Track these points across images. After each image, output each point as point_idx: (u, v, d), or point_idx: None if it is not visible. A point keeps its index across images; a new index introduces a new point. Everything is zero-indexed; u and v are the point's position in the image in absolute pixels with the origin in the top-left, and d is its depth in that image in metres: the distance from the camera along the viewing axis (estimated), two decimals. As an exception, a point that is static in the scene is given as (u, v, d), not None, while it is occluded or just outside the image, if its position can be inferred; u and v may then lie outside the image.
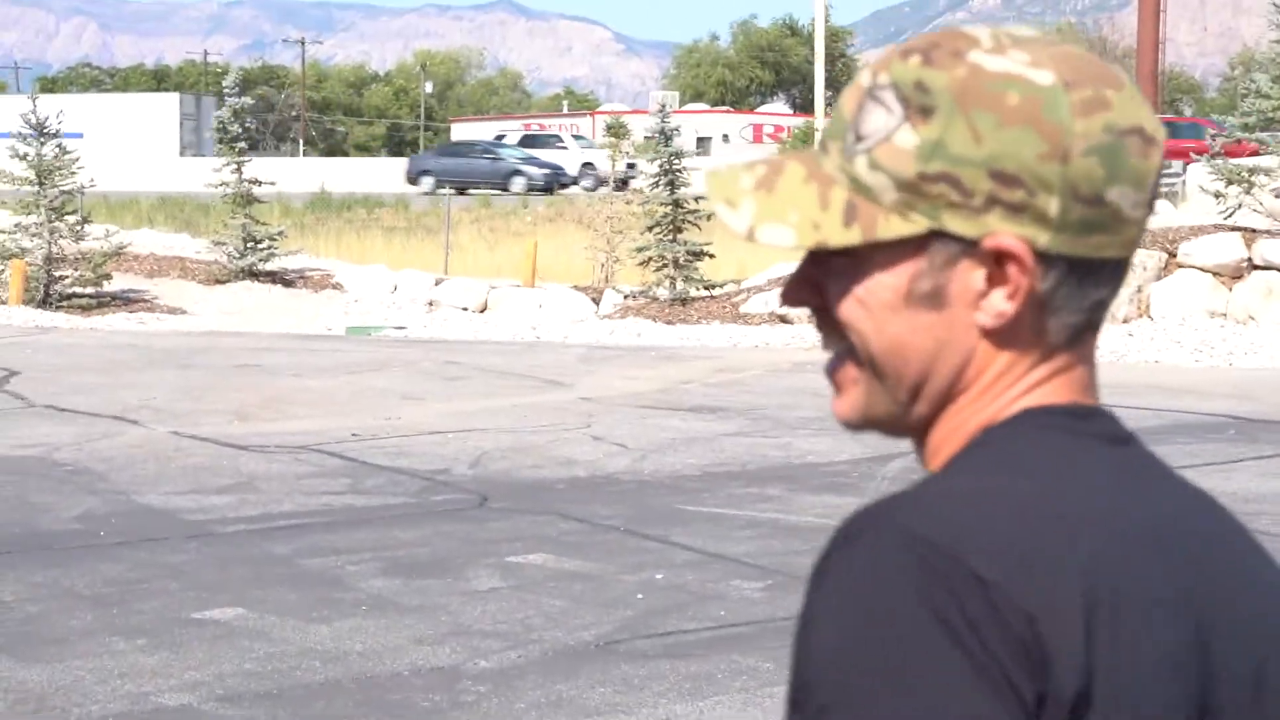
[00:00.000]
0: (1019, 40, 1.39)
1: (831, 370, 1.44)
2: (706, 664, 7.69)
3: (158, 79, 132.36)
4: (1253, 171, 23.89)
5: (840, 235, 1.36)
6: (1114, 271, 1.41)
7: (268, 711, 7.07)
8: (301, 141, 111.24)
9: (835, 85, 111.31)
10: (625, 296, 26.29)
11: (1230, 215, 24.07)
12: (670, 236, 26.12)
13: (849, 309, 1.39)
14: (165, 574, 9.42)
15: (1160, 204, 25.67)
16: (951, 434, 1.41)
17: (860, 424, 1.44)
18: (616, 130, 31.14)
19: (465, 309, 26.56)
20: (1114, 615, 1.27)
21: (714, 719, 7.03)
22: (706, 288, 25.97)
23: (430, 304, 26.91)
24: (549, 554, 9.88)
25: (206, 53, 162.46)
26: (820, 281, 1.41)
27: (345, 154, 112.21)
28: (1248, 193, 23.85)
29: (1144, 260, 22.89)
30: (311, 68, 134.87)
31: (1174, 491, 1.41)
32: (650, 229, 26.52)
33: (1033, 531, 1.28)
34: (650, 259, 26.20)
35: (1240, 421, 15.12)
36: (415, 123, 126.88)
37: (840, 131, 1.41)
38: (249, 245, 28.03)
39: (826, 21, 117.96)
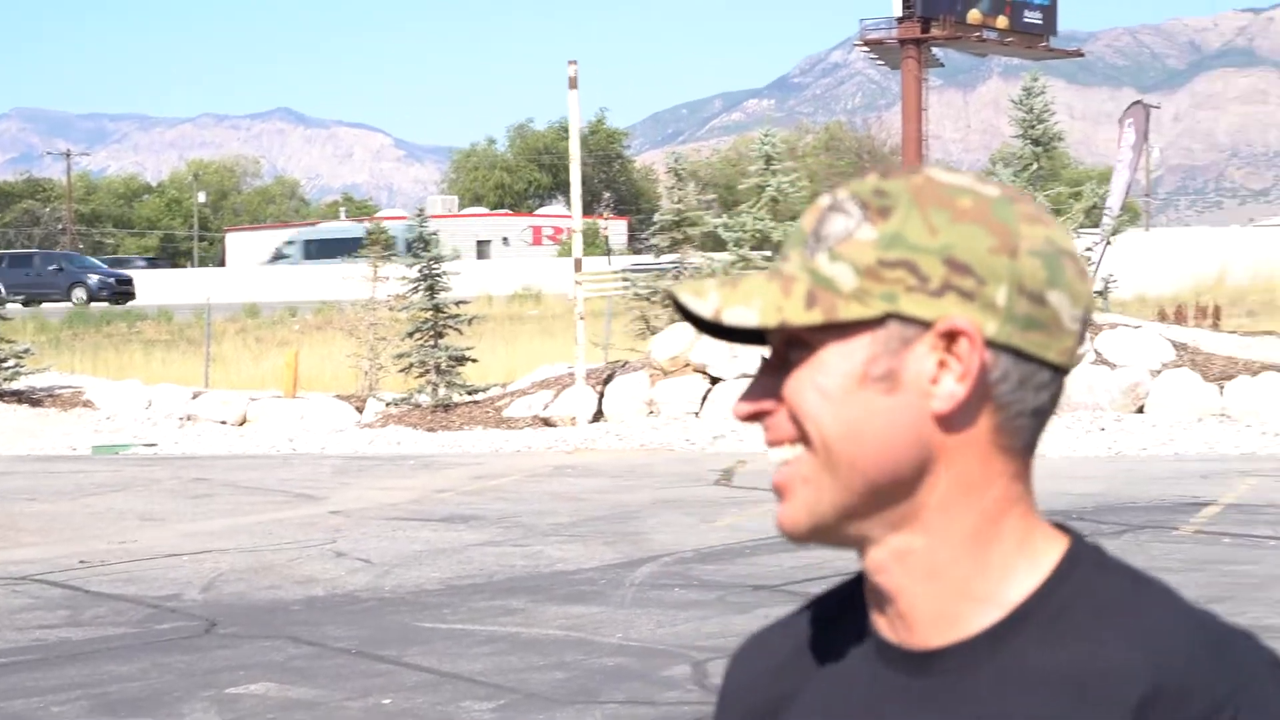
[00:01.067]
0: (962, 174, 1.50)
1: (781, 478, 1.46)
2: (423, 795, 7.31)
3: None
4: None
5: (802, 316, 1.41)
6: (1053, 381, 1.44)
7: None
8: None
9: (614, 186, 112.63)
10: (387, 404, 25.84)
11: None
12: (432, 342, 25.77)
13: (807, 397, 1.42)
14: None
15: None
16: (958, 540, 1.44)
17: (808, 528, 1.45)
18: (377, 236, 30.63)
19: (223, 422, 25.89)
20: None
21: None
22: (469, 393, 25.64)
23: (186, 418, 26.19)
24: (273, 682, 9.41)
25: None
26: (772, 386, 1.46)
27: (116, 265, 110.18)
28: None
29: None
30: (80, 180, 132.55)
31: None
32: (411, 335, 26.16)
33: None
34: (412, 365, 25.83)
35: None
36: (189, 233, 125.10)
37: (800, 241, 1.48)
38: (-8, 364, 27.17)
39: (602, 123, 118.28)
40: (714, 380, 23.78)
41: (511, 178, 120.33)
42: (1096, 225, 25.63)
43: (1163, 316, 28.11)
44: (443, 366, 25.56)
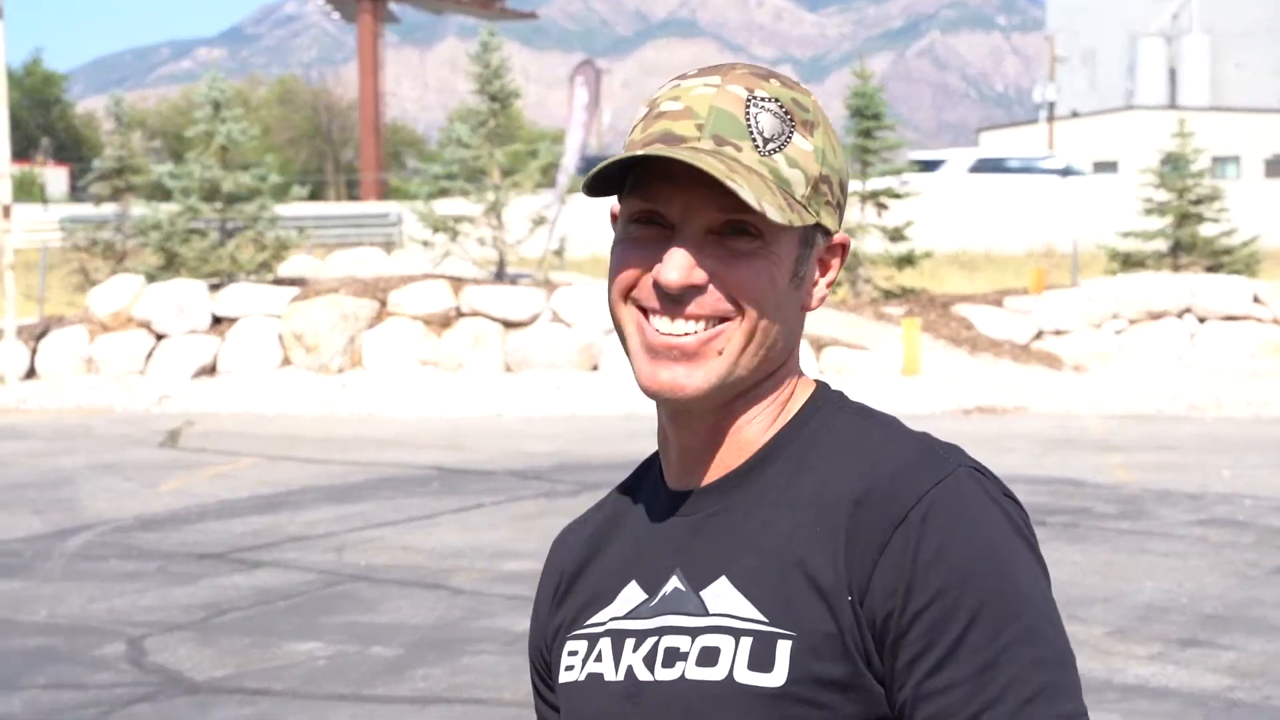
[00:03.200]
0: None
1: (684, 345, 1.66)
2: None
3: None
4: (458, 220, 24.01)
5: (793, 219, 1.65)
6: None
7: None
8: None
9: (53, 132, 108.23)
10: None
11: (441, 262, 24.09)
12: None
13: (763, 286, 1.67)
14: None
15: (373, 252, 25.60)
16: (768, 406, 1.74)
17: (708, 391, 1.67)
18: None
19: None
20: None
21: None
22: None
23: None
24: None
25: None
26: (706, 264, 1.65)
27: None
28: (454, 240, 23.94)
29: (356, 310, 22.58)
30: None
31: None
32: None
33: None
34: None
35: (445, 473, 14.84)
36: None
37: (739, 132, 1.67)
38: None
39: (39, 65, 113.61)
40: (159, 336, 22.94)
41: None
42: (553, 185, 25.69)
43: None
44: None
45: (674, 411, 1.71)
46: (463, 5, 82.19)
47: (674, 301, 1.64)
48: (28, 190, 76.29)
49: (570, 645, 1.77)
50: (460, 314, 22.64)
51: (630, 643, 1.69)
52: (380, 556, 11.05)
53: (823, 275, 1.74)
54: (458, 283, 23.07)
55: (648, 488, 1.80)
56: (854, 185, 27.72)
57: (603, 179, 1.68)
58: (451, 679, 8.11)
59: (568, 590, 1.83)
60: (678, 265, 1.63)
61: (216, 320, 23.11)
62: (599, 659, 1.71)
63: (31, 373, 22.75)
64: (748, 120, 1.65)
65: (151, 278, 24.28)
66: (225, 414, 19.78)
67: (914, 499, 1.58)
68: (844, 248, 1.75)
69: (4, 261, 22.50)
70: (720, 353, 1.65)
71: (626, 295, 1.69)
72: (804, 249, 1.69)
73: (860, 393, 16.66)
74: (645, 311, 1.68)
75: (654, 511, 1.76)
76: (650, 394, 1.69)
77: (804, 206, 1.67)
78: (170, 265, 24.59)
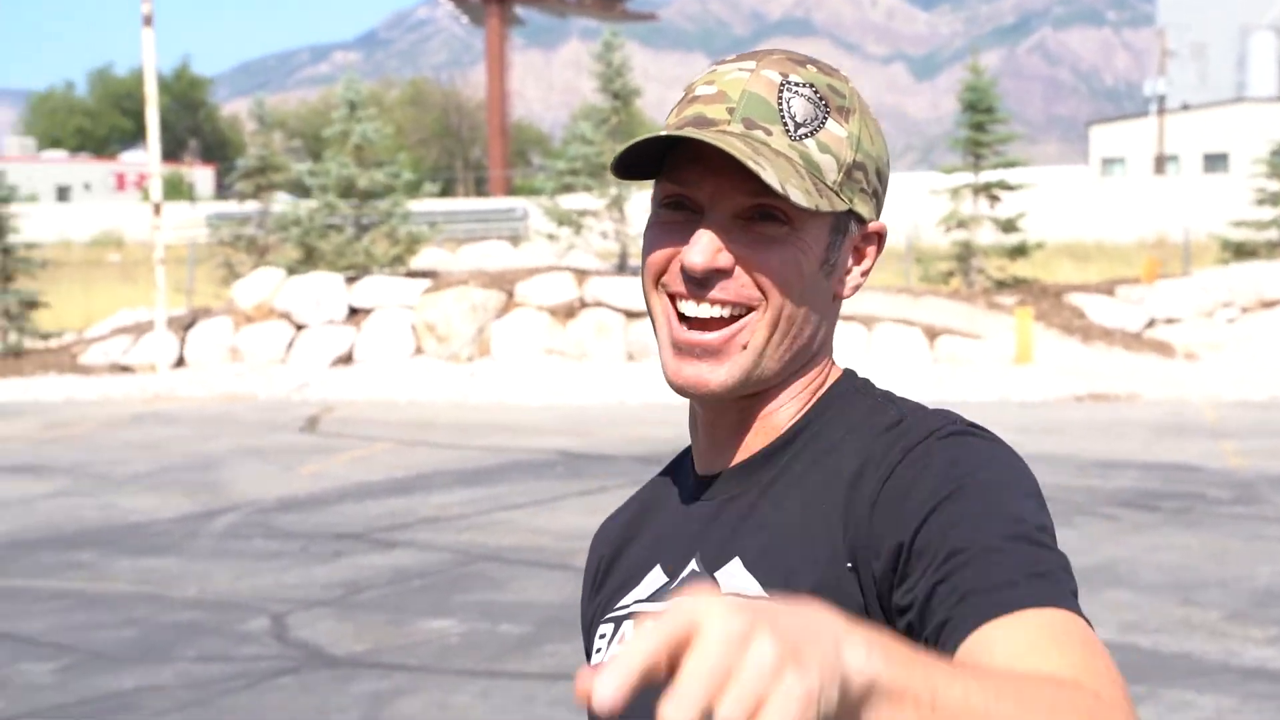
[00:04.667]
0: None
1: (709, 337, 1.61)
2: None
3: None
4: (582, 214, 24.04)
5: (821, 203, 1.58)
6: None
7: None
8: None
9: (200, 133, 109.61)
10: (-46, 350, 24.39)
11: (564, 256, 24.14)
12: (2, 286, 24.38)
13: (789, 273, 1.61)
14: None
15: (500, 246, 25.69)
16: (799, 393, 1.69)
17: (735, 386, 1.63)
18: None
19: None
20: None
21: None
22: (42, 338, 24.39)
23: None
24: None
25: None
26: (731, 248, 1.59)
27: None
28: (578, 233, 23.97)
29: (485, 301, 22.66)
30: None
31: None
32: (-23, 279, 24.76)
33: None
34: (-19, 310, 24.45)
35: (570, 457, 14.86)
36: None
37: (770, 116, 1.60)
38: None
39: (187, 70, 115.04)
40: (299, 327, 23.14)
41: (93, 123, 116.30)
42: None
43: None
44: (13, 311, 24.25)
45: (699, 402, 1.68)
46: (585, 8, 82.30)
47: (699, 285, 1.59)
48: (177, 189, 77.35)
49: (601, 628, 1.75)
50: (584, 304, 22.67)
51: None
52: (509, 538, 11.10)
53: (857, 263, 1.67)
54: (581, 274, 23.11)
55: (679, 476, 1.77)
56: (966, 178, 27.50)
57: (636, 162, 1.63)
58: (578, 655, 8.12)
59: (605, 576, 1.82)
60: (703, 249, 1.58)
61: (353, 311, 23.29)
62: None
63: (180, 362, 23.04)
64: (780, 105, 1.59)
65: (292, 271, 24.52)
66: (361, 401, 19.93)
67: (906, 446, 1.52)
68: (880, 236, 1.68)
69: (155, 257, 22.80)
70: (745, 346, 1.60)
71: (658, 280, 1.64)
72: (836, 236, 1.62)
73: (973, 381, 16.59)
74: (674, 298, 1.63)
75: (681, 498, 1.73)
76: (676, 389, 1.65)
77: (835, 192, 1.60)
78: (309, 259, 24.80)
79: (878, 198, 1.66)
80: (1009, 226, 27.05)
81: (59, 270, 28.72)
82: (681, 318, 1.62)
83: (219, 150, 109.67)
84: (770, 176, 1.52)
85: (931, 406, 1.65)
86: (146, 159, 21.88)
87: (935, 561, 1.45)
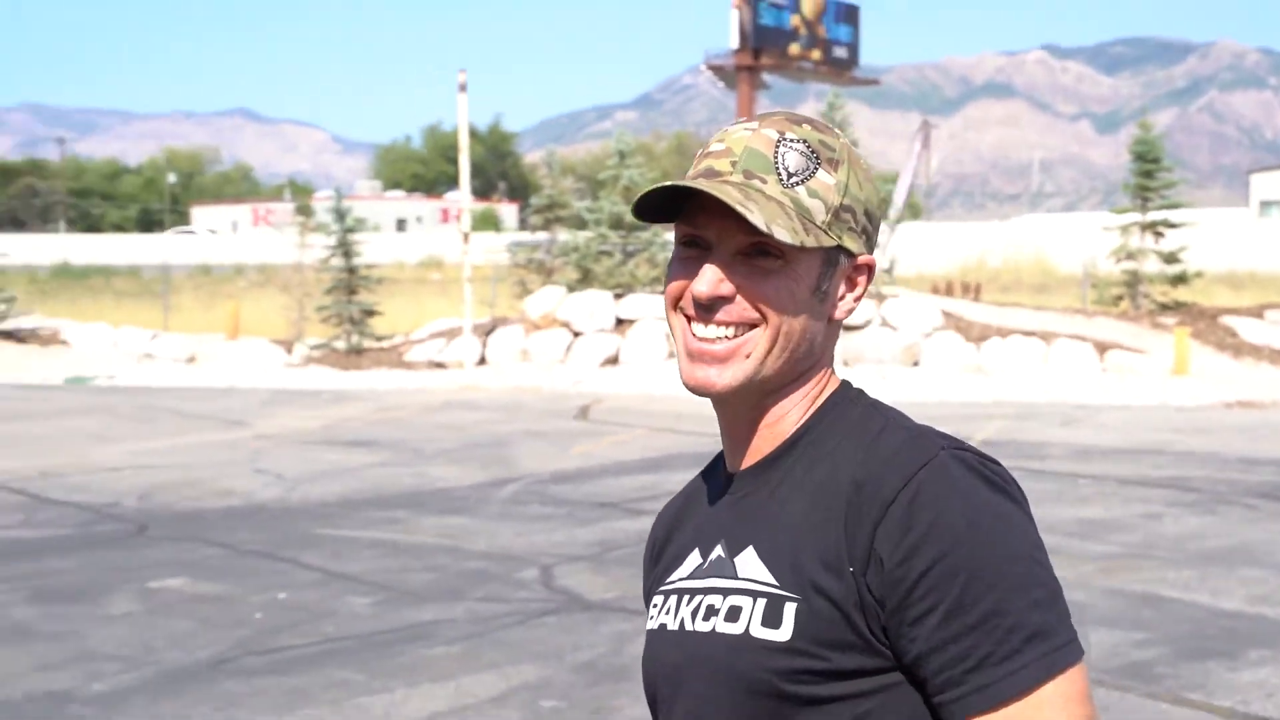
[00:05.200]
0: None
1: (715, 349, 1.60)
2: (305, 678, 6.83)
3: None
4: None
5: (807, 240, 1.58)
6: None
7: (-125, 744, 6.02)
8: (64, 222, 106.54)
9: (508, 177, 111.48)
10: (310, 348, 25.16)
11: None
12: (347, 298, 25.12)
13: (783, 298, 1.59)
14: None
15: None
16: (799, 402, 1.65)
17: (737, 387, 1.61)
18: (303, 210, 30.10)
19: (177, 360, 25.11)
20: None
21: (300, 731, 6.18)
22: (377, 340, 25.05)
23: (146, 355, 25.38)
24: (189, 578, 8.90)
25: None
26: (732, 278, 1.59)
27: (102, 232, 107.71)
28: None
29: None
30: (71, 162, 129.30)
31: None
32: (329, 291, 25.49)
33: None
34: (330, 316, 25.19)
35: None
36: (162, 206, 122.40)
37: (766, 167, 1.60)
38: (-16, 307, 26.19)
39: (498, 127, 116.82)
40: (576, 334, 23.42)
41: (425, 168, 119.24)
42: (884, 216, 25.46)
43: (935, 290, 27.97)
44: (355, 318, 24.98)
45: (716, 405, 1.66)
46: (820, 75, 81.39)
47: (707, 310, 1.59)
48: (489, 222, 78.61)
49: (655, 599, 1.74)
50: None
51: (686, 599, 1.65)
52: (738, 509, 11.14)
53: (850, 291, 1.65)
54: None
55: (714, 474, 1.75)
56: (1134, 217, 26.86)
57: (653, 208, 1.63)
58: (787, 606, 8.15)
59: (659, 556, 1.80)
60: (707, 280, 1.58)
61: (619, 322, 23.50)
62: (667, 612, 1.68)
63: (482, 360, 23.47)
64: (775, 158, 1.59)
65: (571, 289, 24.81)
66: (623, 395, 20.10)
67: (902, 481, 1.49)
68: (869, 268, 1.66)
69: (464, 276, 23.27)
70: (748, 356, 1.59)
71: (676, 304, 1.64)
72: (827, 268, 1.61)
73: (1137, 389, 16.11)
74: (689, 318, 1.62)
75: (714, 492, 1.71)
76: (689, 389, 1.64)
77: (824, 230, 1.59)
78: (585, 279, 25.08)
79: (867, 235, 1.64)
80: (1171, 258, 26.38)
81: (393, 286, 29.48)
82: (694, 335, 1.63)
83: (522, 190, 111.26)
84: (757, 218, 1.54)
85: (911, 419, 1.63)
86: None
87: (928, 627, 1.48)
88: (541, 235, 31.62)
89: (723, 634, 1.58)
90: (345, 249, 25.41)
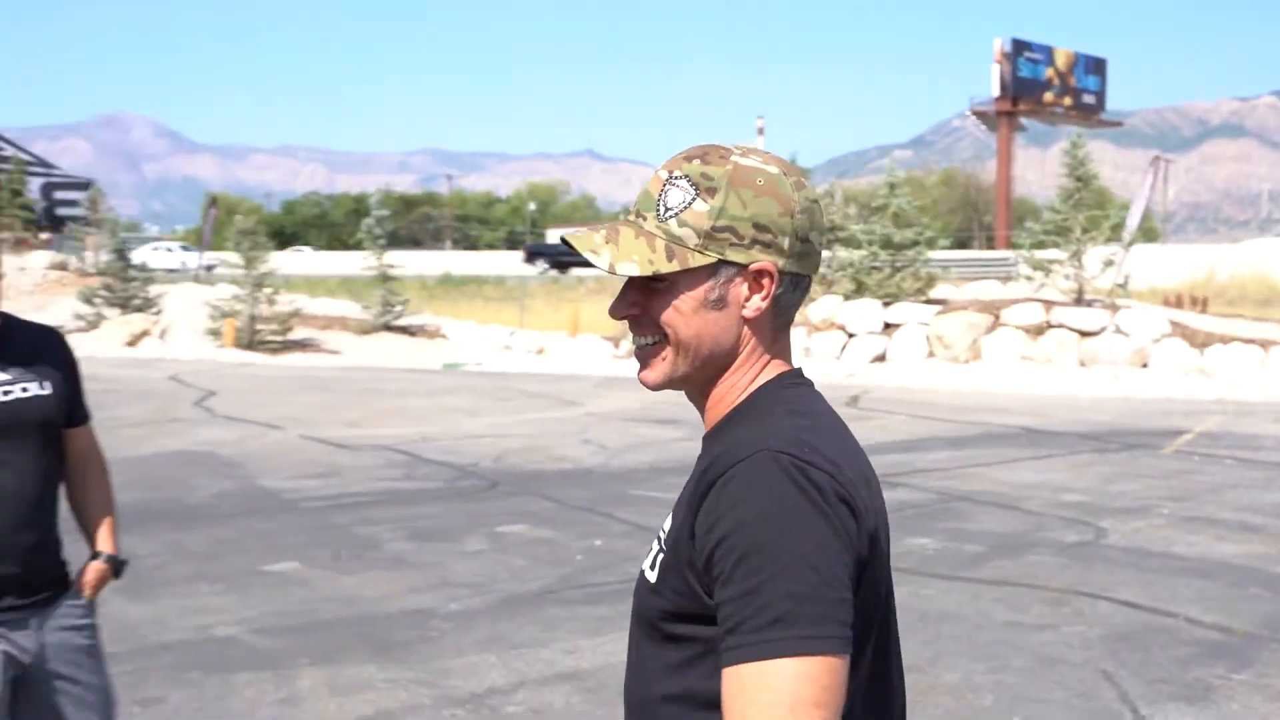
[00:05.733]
0: (752, 150, 1.59)
1: (643, 354, 1.58)
2: (612, 609, 7.00)
3: (358, 203, 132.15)
4: (1051, 262, 23.23)
5: (667, 266, 1.52)
6: (807, 286, 1.60)
7: (286, 641, 6.41)
8: (449, 241, 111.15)
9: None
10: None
11: (1038, 290, 23.32)
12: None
13: (669, 314, 1.54)
14: (255, 537, 8.77)
15: (992, 284, 24.75)
16: (732, 389, 1.58)
17: (659, 384, 1.58)
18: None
19: (529, 351, 25.91)
20: (868, 487, 1.52)
21: (606, 650, 6.34)
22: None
23: (506, 347, 26.26)
24: (527, 525, 9.20)
25: (390, 185, 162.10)
26: (637, 300, 1.56)
27: (477, 250, 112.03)
28: (1047, 276, 23.14)
29: (978, 321, 22.14)
30: (457, 194, 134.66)
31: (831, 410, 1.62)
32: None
33: (829, 445, 1.50)
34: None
35: (1029, 432, 14.37)
36: (525, 230, 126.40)
37: (650, 206, 1.55)
38: (385, 308, 27.47)
39: (795, 163, 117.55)
40: (850, 335, 23.20)
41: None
42: (1119, 239, 24.39)
43: (1165, 303, 26.66)
44: (672, 320, 25.25)
45: (652, 390, 1.62)
46: (1070, 118, 78.63)
47: (634, 324, 1.58)
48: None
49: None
50: (1049, 326, 21.81)
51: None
52: (978, 485, 10.85)
53: (755, 292, 1.54)
54: (1048, 305, 22.24)
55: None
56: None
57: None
58: (1015, 570, 7.92)
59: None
60: (614, 305, 1.58)
61: (886, 326, 23.16)
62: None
63: (771, 356, 23.43)
64: (659, 196, 1.55)
65: (846, 298, 24.57)
66: (888, 386, 19.81)
67: (725, 468, 1.45)
68: (768, 273, 1.54)
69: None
70: (664, 359, 1.56)
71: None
72: (714, 279, 1.53)
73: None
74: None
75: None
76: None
77: (697, 251, 1.52)
78: (858, 290, 24.81)
79: (764, 244, 1.54)
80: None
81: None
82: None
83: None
84: (603, 260, 1.53)
85: (780, 421, 1.53)
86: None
87: (716, 591, 1.43)
88: (825, 255, 31.48)
89: (643, 571, 1.58)
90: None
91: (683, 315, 1.54)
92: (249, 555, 8.20)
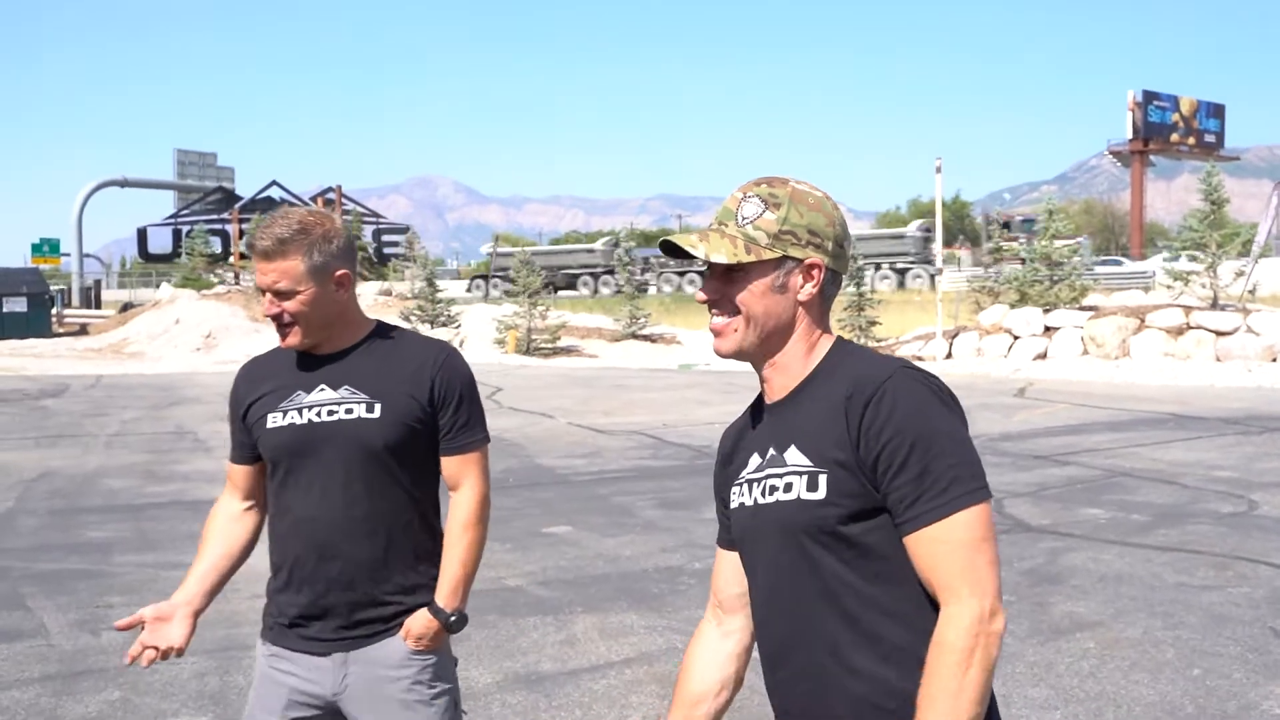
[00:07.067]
0: (803, 180, 1.66)
1: (720, 328, 1.65)
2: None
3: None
4: (1189, 274, 21.58)
5: (745, 257, 1.61)
6: (840, 282, 1.68)
7: (563, 592, 6.24)
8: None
9: (965, 231, 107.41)
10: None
11: (1178, 297, 21.67)
12: (857, 313, 24.64)
13: (745, 295, 1.63)
14: (535, 505, 8.70)
15: (1136, 293, 23.07)
16: (796, 358, 1.64)
17: (732, 354, 1.64)
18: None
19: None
20: None
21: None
22: (877, 341, 24.43)
23: (727, 352, 25.96)
24: (753, 495, 8.85)
25: (632, 225, 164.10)
26: (719, 287, 1.64)
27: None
28: (1185, 285, 21.49)
29: (1126, 324, 20.67)
30: (686, 229, 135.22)
31: None
32: (846, 309, 25.09)
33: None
34: (843, 326, 24.78)
35: (1177, 417, 13.23)
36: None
37: (729, 217, 1.64)
38: (632, 320, 27.53)
39: (959, 198, 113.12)
40: (1015, 337, 22.00)
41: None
42: (1248, 253, 22.41)
43: (1292, 306, 24.38)
44: (863, 326, 24.49)
45: (746, 362, 1.68)
46: (1192, 155, 73.42)
47: (712, 305, 1.66)
48: (953, 263, 75.70)
49: (734, 489, 1.70)
50: (1188, 327, 20.16)
51: (755, 485, 1.65)
52: (1137, 463, 9.98)
53: (807, 281, 1.65)
54: (1187, 309, 20.56)
55: (757, 406, 1.72)
56: None
57: (671, 250, 1.66)
58: (1180, 537, 7.17)
59: (729, 461, 1.75)
60: (703, 289, 1.66)
61: (1046, 329, 21.83)
62: (742, 495, 1.67)
63: (949, 355, 22.38)
64: (737, 209, 1.65)
65: (1012, 306, 23.30)
66: (1049, 380, 18.64)
67: (873, 390, 1.53)
68: (817, 266, 1.65)
69: (937, 298, 22.38)
70: (735, 331, 1.65)
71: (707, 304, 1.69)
72: (778, 271, 1.64)
73: None
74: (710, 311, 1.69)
75: (758, 419, 1.70)
76: (716, 352, 1.69)
77: (767, 249, 1.63)
78: (1022, 299, 23.49)
79: (815, 245, 1.64)
80: None
81: (887, 305, 28.67)
82: None
83: (974, 240, 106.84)
84: (699, 252, 1.61)
85: (882, 357, 1.62)
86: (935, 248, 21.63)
87: (889, 478, 1.52)
88: (993, 270, 29.98)
89: (784, 501, 1.59)
90: (856, 280, 25.02)
91: (755, 296, 1.63)
92: (531, 519, 8.10)
